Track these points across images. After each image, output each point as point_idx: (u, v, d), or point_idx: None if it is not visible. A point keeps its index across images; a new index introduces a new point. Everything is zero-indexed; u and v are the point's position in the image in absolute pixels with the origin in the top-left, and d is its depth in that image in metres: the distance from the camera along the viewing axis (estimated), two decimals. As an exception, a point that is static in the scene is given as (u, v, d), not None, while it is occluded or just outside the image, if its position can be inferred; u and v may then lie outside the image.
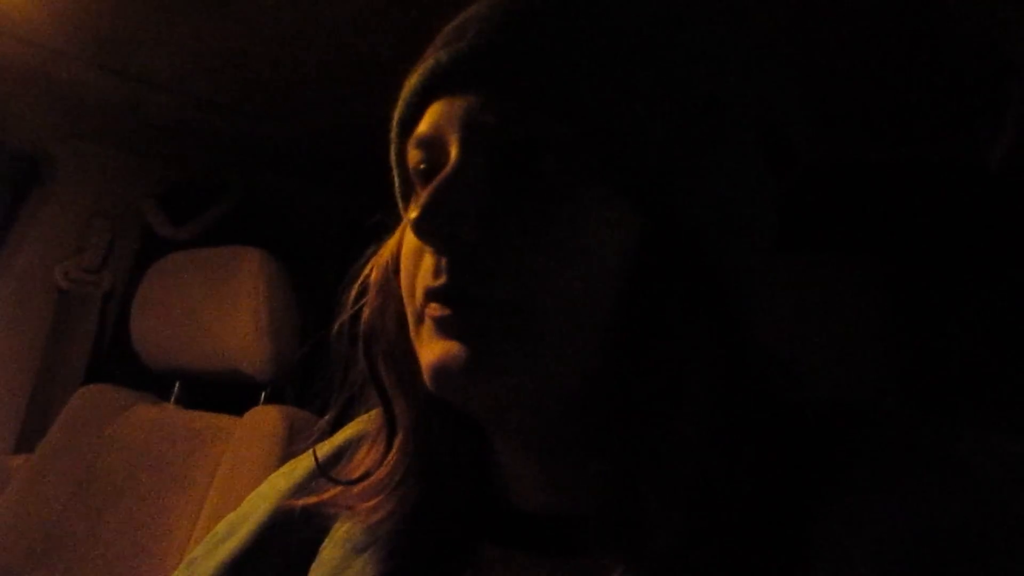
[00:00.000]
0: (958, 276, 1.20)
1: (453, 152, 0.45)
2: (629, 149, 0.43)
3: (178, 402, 1.55)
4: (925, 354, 1.07)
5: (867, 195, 1.32)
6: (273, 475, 0.65)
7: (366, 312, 0.52)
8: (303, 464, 0.62)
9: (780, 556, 0.40)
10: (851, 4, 0.92)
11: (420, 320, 0.46)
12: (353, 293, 0.53)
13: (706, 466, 0.42)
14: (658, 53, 0.45)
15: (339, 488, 0.54)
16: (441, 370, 0.44)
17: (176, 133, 1.63)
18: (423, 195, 0.44)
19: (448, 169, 0.45)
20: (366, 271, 0.54)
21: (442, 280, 0.44)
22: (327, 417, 0.57)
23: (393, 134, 0.52)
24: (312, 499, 0.55)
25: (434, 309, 0.44)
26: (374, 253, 0.54)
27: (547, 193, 0.43)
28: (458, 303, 0.43)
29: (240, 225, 1.85)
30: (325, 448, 0.61)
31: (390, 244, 0.53)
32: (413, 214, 0.43)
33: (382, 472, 0.52)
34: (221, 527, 0.63)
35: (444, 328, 0.44)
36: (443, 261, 0.44)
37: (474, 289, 0.43)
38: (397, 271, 0.50)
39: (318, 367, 0.56)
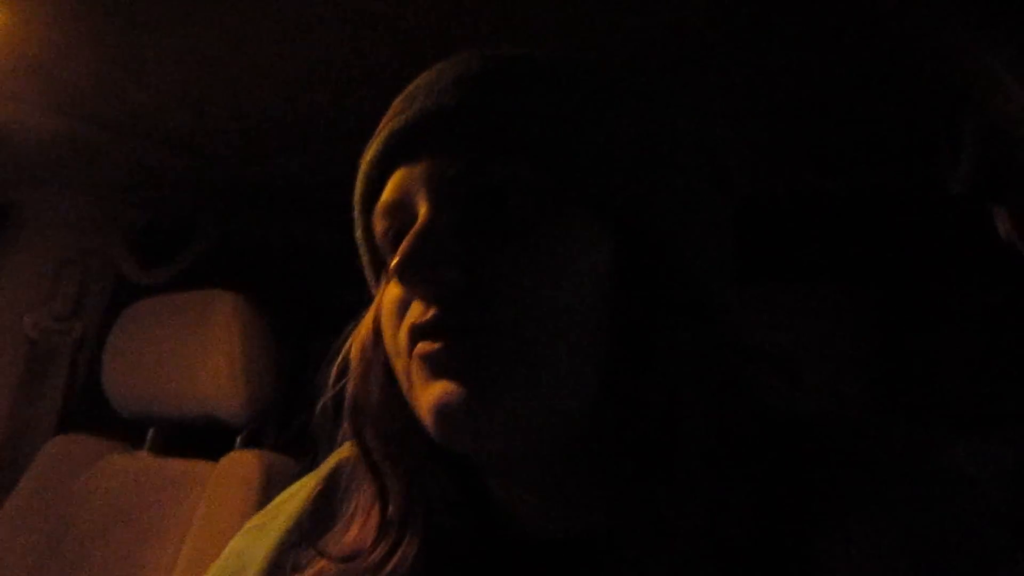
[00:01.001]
0: (926, 295, 1.22)
1: (423, 209, 0.46)
2: (590, 177, 0.45)
3: (152, 449, 1.53)
4: (897, 371, 1.09)
5: (835, 223, 1.34)
6: (244, 534, 0.62)
7: (350, 386, 0.52)
8: (280, 516, 0.60)
9: (783, 571, 0.41)
10: (813, 38, 0.94)
11: (409, 369, 0.46)
12: (335, 372, 0.53)
13: (710, 479, 0.42)
14: (599, 96, 0.48)
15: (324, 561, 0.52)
16: (443, 411, 0.44)
17: (146, 177, 1.62)
18: (401, 246, 0.44)
19: (421, 220, 0.46)
20: (346, 348, 0.54)
21: (431, 314, 0.44)
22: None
23: (357, 211, 0.53)
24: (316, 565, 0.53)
25: (423, 347, 0.44)
26: (351, 332, 0.54)
27: (519, 228, 0.45)
28: (449, 334, 0.44)
29: (214, 268, 1.84)
30: (305, 492, 0.60)
31: (367, 319, 0.53)
32: (393, 263, 0.44)
33: (378, 549, 0.50)
34: None
35: (437, 366, 0.44)
36: (424, 305, 0.44)
37: (464, 318, 0.44)
38: (377, 342, 0.50)
39: (295, 409, 0.56)
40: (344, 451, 0.59)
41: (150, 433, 1.54)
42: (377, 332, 0.50)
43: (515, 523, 0.51)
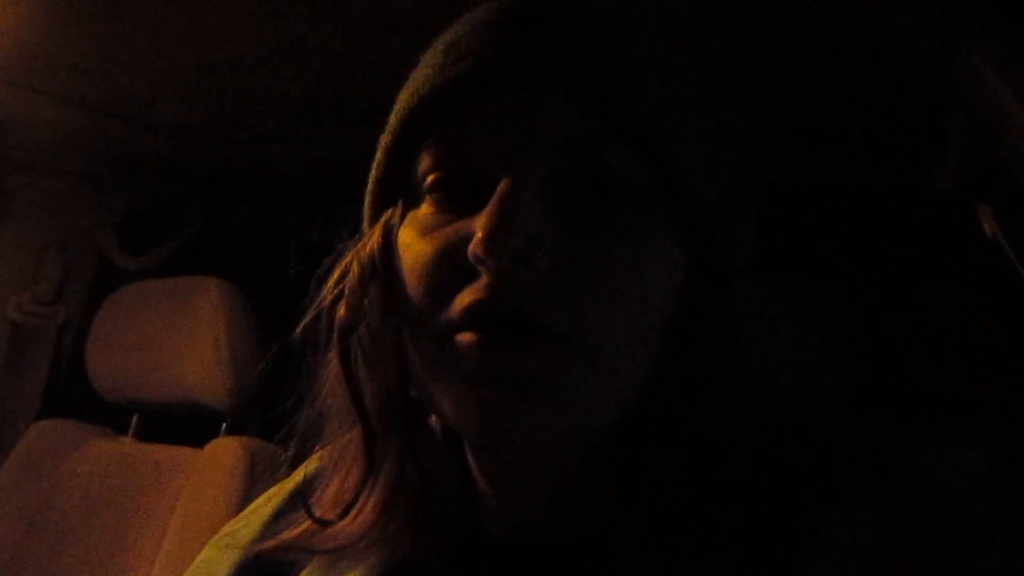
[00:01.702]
0: (908, 292, 1.23)
1: (510, 174, 0.41)
2: (696, 192, 0.43)
3: (136, 435, 1.52)
4: (880, 370, 1.09)
5: (819, 219, 1.34)
6: (218, 537, 0.60)
7: (342, 309, 0.48)
8: (255, 517, 0.58)
9: (767, 570, 0.41)
10: (796, 34, 0.94)
11: (445, 342, 0.42)
12: (331, 284, 0.49)
13: (717, 481, 0.42)
14: (702, 94, 0.46)
15: (303, 534, 0.50)
16: (482, 421, 0.41)
17: (133, 162, 1.61)
18: (492, 211, 0.40)
19: (512, 188, 0.41)
20: (345, 263, 0.49)
21: (499, 299, 0.40)
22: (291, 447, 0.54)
23: (395, 126, 0.47)
24: (278, 541, 0.52)
25: (476, 335, 0.40)
26: (342, 252, 0.50)
27: (614, 230, 0.42)
28: (511, 329, 0.40)
29: (199, 255, 1.83)
30: (281, 493, 0.59)
31: (371, 241, 0.48)
32: (482, 236, 0.39)
33: (367, 510, 0.48)
34: None
35: (489, 364, 0.40)
36: (500, 280, 0.40)
37: (533, 313, 0.40)
38: (384, 265, 0.46)
39: (280, 397, 0.55)
40: (315, 460, 0.56)
41: (134, 419, 1.53)
42: (385, 262, 0.46)
43: (484, 518, 0.49)
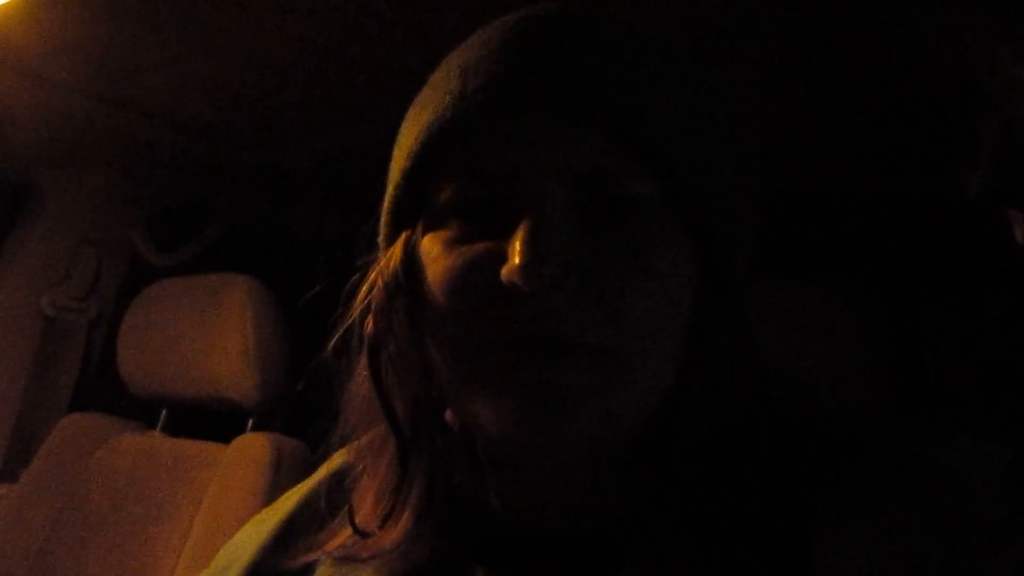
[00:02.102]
0: (939, 297, 1.22)
1: (539, 200, 0.43)
2: (710, 212, 0.45)
3: (164, 430, 1.54)
4: (906, 372, 1.09)
5: (852, 223, 1.33)
6: (244, 529, 0.62)
7: (370, 323, 0.49)
8: (277, 514, 0.60)
9: (784, 566, 0.41)
10: (831, 38, 0.94)
11: (479, 355, 0.43)
12: (359, 300, 0.51)
13: (733, 478, 0.43)
14: (718, 117, 0.47)
15: (342, 545, 0.52)
16: (525, 428, 0.42)
17: (164, 160, 1.63)
18: (525, 239, 0.41)
19: (546, 214, 0.42)
20: (371, 278, 0.51)
21: (536, 325, 0.41)
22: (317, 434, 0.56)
23: (415, 149, 0.46)
24: (310, 555, 0.53)
25: (512, 352, 0.42)
26: (366, 265, 0.52)
27: (634, 245, 0.43)
28: (550, 350, 0.41)
29: (228, 252, 1.85)
30: (303, 490, 0.60)
31: (394, 255, 0.49)
32: (519, 262, 0.40)
33: (403, 517, 0.50)
34: None
35: (527, 375, 0.42)
36: (536, 305, 0.41)
37: (568, 332, 0.41)
38: (408, 280, 0.47)
39: (306, 394, 0.56)
40: (342, 455, 0.58)
41: (163, 414, 1.55)
42: (408, 278, 0.47)
43: (499, 509, 0.50)
